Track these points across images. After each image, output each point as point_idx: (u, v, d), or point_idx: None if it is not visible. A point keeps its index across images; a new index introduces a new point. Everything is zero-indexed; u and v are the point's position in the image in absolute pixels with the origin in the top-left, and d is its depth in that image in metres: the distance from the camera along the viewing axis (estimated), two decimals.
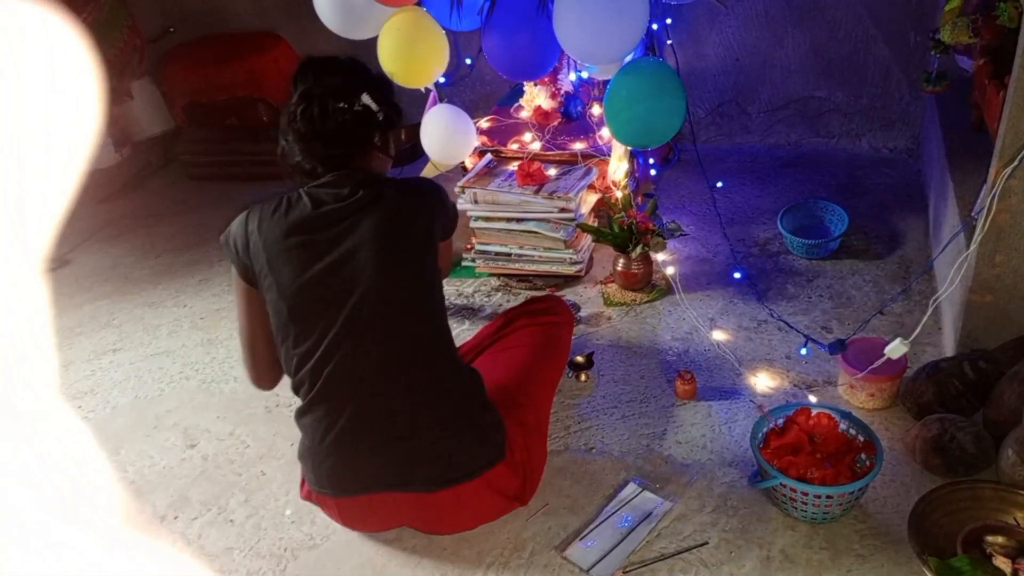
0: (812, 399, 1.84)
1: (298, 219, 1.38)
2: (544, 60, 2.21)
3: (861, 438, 1.60)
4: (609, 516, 1.61)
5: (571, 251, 2.35)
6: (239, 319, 1.51)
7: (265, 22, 3.39)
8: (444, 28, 2.25)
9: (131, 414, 2.06)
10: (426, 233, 1.43)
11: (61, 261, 2.85)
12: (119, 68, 3.07)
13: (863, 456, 1.55)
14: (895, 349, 1.63)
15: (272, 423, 1.97)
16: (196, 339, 2.34)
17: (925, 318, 1.71)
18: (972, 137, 2.27)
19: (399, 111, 1.47)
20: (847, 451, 1.59)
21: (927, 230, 2.47)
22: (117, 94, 3.13)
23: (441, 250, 1.51)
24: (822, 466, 1.54)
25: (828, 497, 1.48)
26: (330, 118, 1.36)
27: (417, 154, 2.74)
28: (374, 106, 1.41)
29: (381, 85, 1.46)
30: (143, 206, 3.22)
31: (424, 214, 1.43)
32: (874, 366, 1.70)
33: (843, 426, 1.63)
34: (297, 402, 1.99)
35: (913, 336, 1.66)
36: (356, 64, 1.46)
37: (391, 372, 1.39)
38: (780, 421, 1.66)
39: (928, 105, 2.75)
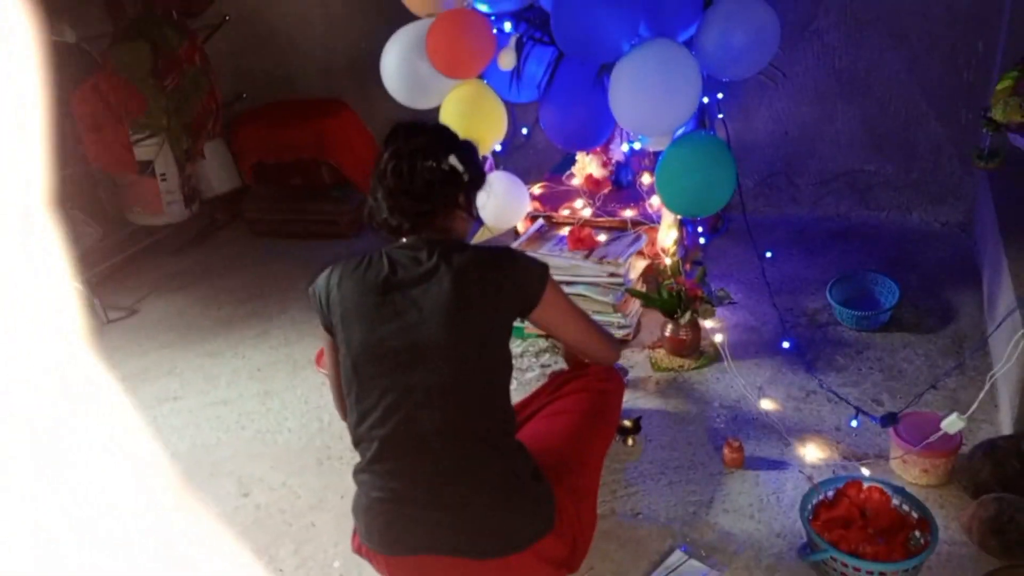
0: (864, 472, 1.81)
1: (375, 279, 1.43)
2: (599, 131, 2.30)
3: (915, 515, 1.58)
4: None
5: (620, 315, 2.39)
6: (328, 366, 1.60)
7: (331, 89, 3.58)
8: (503, 100, 2.37)
9: (188, 460, 2.13)
10: (496, 305, 1.43)
11: (130, 311, 2.99)
12: (196, 130, 3.26)
13: (917, 533, 1.53)
14: (952, 424, 1.61)
15: (324, 475, 2.02)
16: (253, 390, 2.42)
17: (982, 394, 1.70)
18: None
19: (483, 173, 1.51)
20: (900, 527, 1.56)
21: (981, 305, 2.45)
22: (191, 154, 3.31)
23: (547, 308, 1.48)
24: (874, 542, 1.52)
25: (881, 574, 1.45)
26: (418, 175, 1.41)
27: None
28: (460, 167, 1.44)
29: (467, 148, 1.50)
30: (208, 260, 3.37)
31: (494, 287, 1.43)
32: (929, 440, 1.69)
33: (896, 502, 1.61)
34: (349, 456, 2.06)
35: (970, 412, 1.65)
36: (443, 128, 1.53)
37: (447, 442, 1.40)
38: (830, 493, 1.65)
39: (981, 181, 2.76)
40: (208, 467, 2.10)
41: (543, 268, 1.51)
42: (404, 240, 1.49)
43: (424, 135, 1.46)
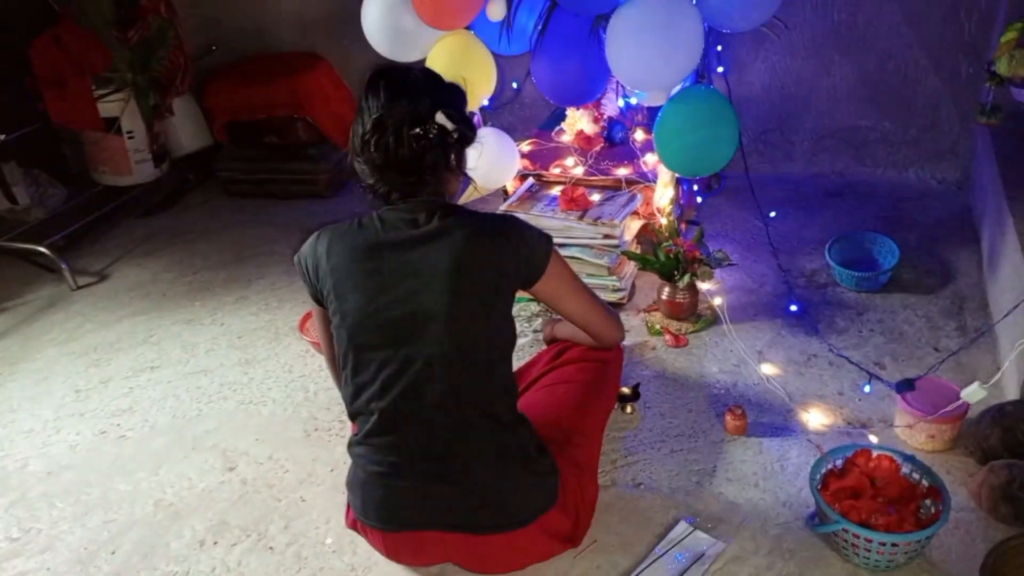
0: (871, 439, 1.78)
1: (367, 244, 1.34)
2: (593, 86, 2.19)
3: (926, 483, 1.54)
4: (660, 556, 1.56)
5: (614, 278, 2.31)
6: (320, 337, 1.53)
7: (307, 42, 3.41)
8: (492, 52, 2.24)
9: (170, 433, 2.04)
10: (498, 275, 1.35)
11: (100, 276, 2.85)
12: (163, 85, 3.09)
13: (928, 502, 1.49)
14: (973, 393, 1.57)
15: (311, 448, 1.94)
16: (234, 359, 2.32)
17: (1007, 363, 1.65)
18: None
19: (472, 126, 1.39)
20: (911, 496, 1.52)
21: (980, 264, 2.41)
22: (159, 111, 3.14)
23: (550, 281, 1.42)
24: (885, 511, 1.48)
25: (894, 545, 1.42)
26: (404, 146, 1.30)
27: None
28: (449, 125, 1.33)
29: (455, 98, 1.38)
30: (181, 222, 3.23)
31: (497, 255, 1.35)
32: (947, 409, 1.64)
33: (906, 469, 1.57)
34: (337, 427, 1.99)
35: (993, 381, 1.60)
36: (430, 78, 1.39)
37: (448, 414, 1.35)
38: (839, 462, 1.61)
39: (980, 137, 2.70)
40: (191, 440, 2.01)
41: (547, 239, 1.43)
42: (396, 203, 1.39)
43: (407, 96, 1.31)
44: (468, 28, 2.20)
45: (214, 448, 1.97)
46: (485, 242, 1.34)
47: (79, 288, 2.78)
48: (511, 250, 1.36)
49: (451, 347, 1.32)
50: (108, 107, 3.01)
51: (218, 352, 2.37)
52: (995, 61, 2.36)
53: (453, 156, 1.37)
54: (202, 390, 2.20)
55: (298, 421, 2.04)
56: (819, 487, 1.56)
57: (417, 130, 1.30)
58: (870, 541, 1.43)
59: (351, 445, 1.45)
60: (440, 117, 1.32)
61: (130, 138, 3.11)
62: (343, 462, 1.73)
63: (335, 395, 2.07)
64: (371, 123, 1.30)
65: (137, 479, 1.89)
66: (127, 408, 2.15)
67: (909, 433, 1.77)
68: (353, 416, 1.43)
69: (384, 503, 1.43)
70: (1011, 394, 1.82)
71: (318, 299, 1.43)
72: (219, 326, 2.50)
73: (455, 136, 1.35)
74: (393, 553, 1.52)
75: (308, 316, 2.29)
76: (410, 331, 1.32)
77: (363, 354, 1.35)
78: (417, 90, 1.33)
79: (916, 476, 1.56)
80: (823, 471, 1.59)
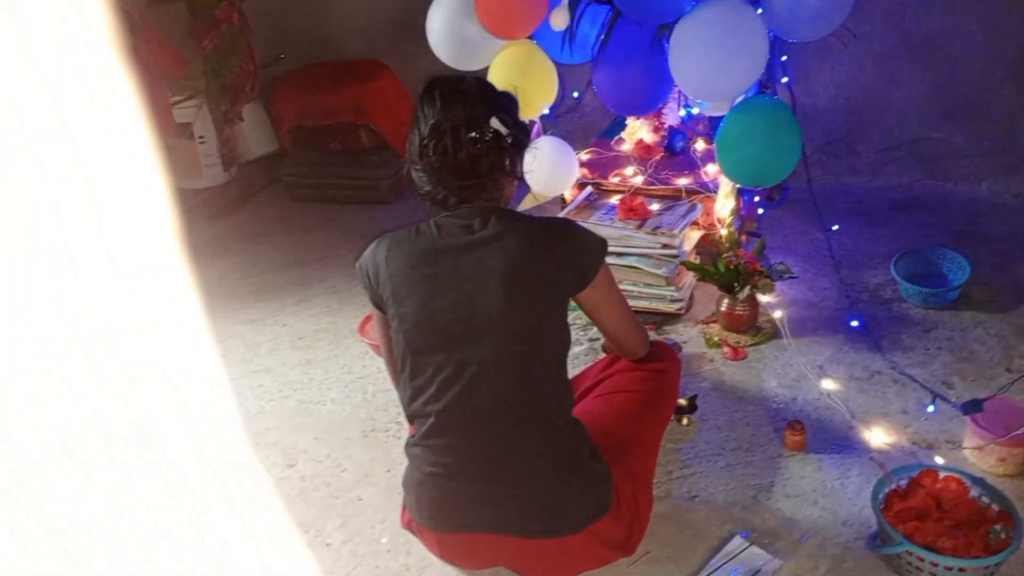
0: (937, 460, 1.72)
1: (425, 250, 1.37)
2: (655, 95, 2.19)
3: (995, 507, 1.49)
4: (715, 570, 1.54)
5: (672, 288, 2.30)
6: (380, 340, 1.56)
7: (372, 50, 3.48)
8: (554, 61, 2.26)
9: (234, 429, 2.10)
10: (554, 280, 1.36)
11: None
12: (234, 92, 3.20)
13: (998, 527, 1.44)
14: None
15: (369, 448, 1.98)
16: (295, 359, 2.38)
17: None
18: None
19: (527, 131, 1.42)
20: (979, 521, 1.47)
21: None
22: (230, 116, 3.25)
23: (595, 291, 1.42)
24: (952, 535, 1.43)
25: (961, 570, 1.37)
26: (462, 150, 1.33)
27: None
28: (504, 130, 1.35)
29: (508, 104, 1.41)
30: (246, 225, 3.33)
31: (553, 260, 1.36)
32: (1020, 431, 1.58)
33: (974, 492, 1.52)
34: (394, 429, 2.02)
35: None
36: (483, 86, 1.42)
37: (503, 417, 1.36)
38: (903, 482, 1.56)
39: None
40: (252, 437, 2.04)
41: (602, 244, 1.44)
42: (453, 209, 1.41)
43: (462, 102, 1.35)
44: (531, 37, 2.23)
45: (275, 445, 2.03)
46: (541, 246, 1.36)
47: None
48: (566, 254, 1.37)
49: (506, 351, 1.34)
50: (182, 113, 3.13)
51: (280, 352, 2.43)
52: None
53: (508, 161, 1.40)
54: (264, 388, 2.26)
55: (356, 421, 2.08)
56: (882, 507, 1.52)
57: (473, 134, 1.33)
58: (935, 565, 1.39)
59: (408, 446, 1.47)
60: (495, 122, 1.35)
61: (201, 143, 3.23)
62: (400, 463, 1.75)
63: (393, 397, 2.10)
64: (429, 128, 1.34)
65: None
66: None
67: (979, 455, 1.71)
68: (411, 418, 1.45)
69: (439, 504, 1.44)
70: None
71: (378, 304, 1.46)
72: (281, 327, 2.57)
73: (509, 141, 1.37)
74: (447, 555, 1.53)
75: (368, 319, 2.34)
76: (465, 335, 1.33)
77: (420, 358, 1.37)
78: (471, 96, 1.36)
79: (985, 499, 1.51)
80: (886, 491, 1.55)
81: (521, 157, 1.44)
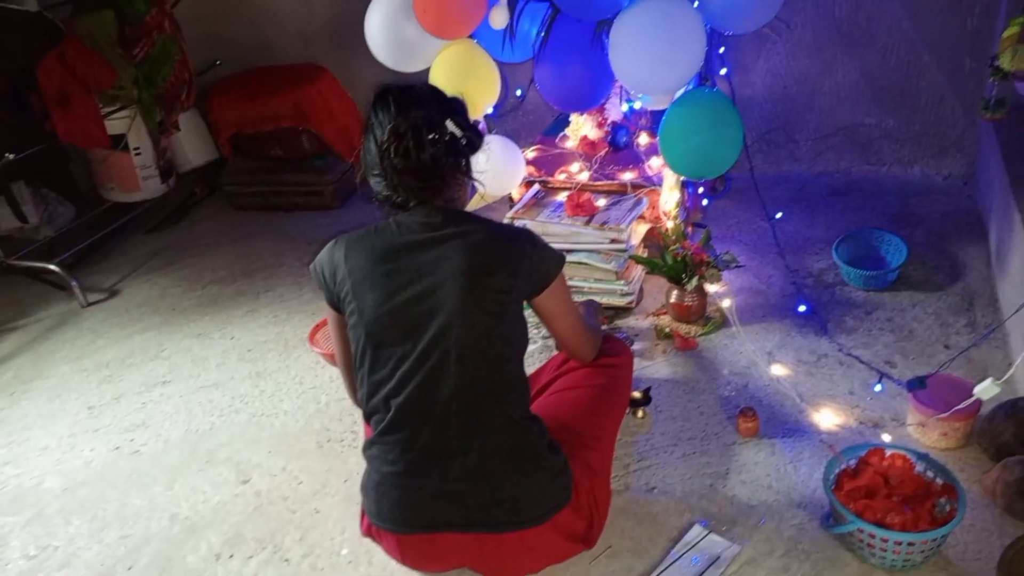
0: (884, 438, 1.77)
1: (385, 246, 1.39)
2: (597, 91, 2.20)
3: (940, 481, 1.54)
4: (675, 560, 1.56)
5: (622, 282, 2.32)
6: (334, 344, 1.56)
7: (310, 54, 3.43)
8: (495, 60, 2.25)
9: (183, 448, 2.05)
10: (512, 278, 1.40)
11: (110, 292, 2.87)
12: (169, 101, 3.11)
13: (943, 500, 1.49)
14: (986, 390, 1.56)
15: (325, 459, 1.95)
16: (244, 372, 2.33)
17: (1020, 360, 1.64)
18: None
19: (480, 133, 1.46)
20: (925, 495, 1.52)
21: (988, 259, 2.40)
22: (165, 126, 3.16)
23: (549, 297, 1.48)
24: (901, 511, 1.47)
25: (910, 544, 1.41)
26: (424, 151, 1.36)
27: None
28: (459, 132, 1.39)
29: (461, 109, 1.46)
30: (189, 236, 3.24)
31: (512, 261, 1.40)
32: (960, 406, 1.64)
33: (919, 468, 1.57)
34: (350, 438, 2.00)
35: (1006, 377, 1.60)
36: (433, 91, 1.47)
37: (462, 410, 1.38)
38: (852, 462, 1.61)
39: (985, 132, 2.69)
40: (204, 454, 2.02)
41: (561, 256, 1.51)
42: (411, 210, 1.44)
43: (418, 105, 1.39)
44: (471, 36, 2.21)
45: (228, 461, 1.98)
46: (501, 245, 1.41)
47: (89, 305, 2.80)
48: (526, 258, 1.42)
49: (466, 344, 1.36)
50: (115, 124, 3.04)
51: (229, 365, 2.38)
52: (998, 56, 2.35)
53: (464, 162, 1.44)
54: (214, 404, 2.21)
55: (310, 432, 2.05)
56: (833, 487, 1.56)
57: (434, 135, 1.36)
58: (886, 541, 1.42)
59: (366, 447, 1.47)
60: (450, 124, 1.39)
61: (137, 154, 3.13)
62: (356, 472, 1.74)
63: (347, 405, 2.08)
64: (388, 132, 1.36)
65: (152, 493, 1.90)
66: (140, 423, 2.16)
67: (922, 431, 1.76)
68: (369, 415, 1.45)
69: (399, 504, 1.44)
70: (1022, 389, 1.81)
71: (335, 304, 1.47)
72: (229, 339, 2.51)
73: (464, 143, 1.42)
74: (408, 558, 1.52)
75: (318, 328, 2.30)
76: (427, 326, 1.36)
77: (381, 350, 1.39)
78: (424, 100, 1.41)
79: (930, 474, 1.55)
80: (836, 471, 1.59)
81: (472, 160, 1.47)
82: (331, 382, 2.23)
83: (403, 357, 1.38)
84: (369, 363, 1.41)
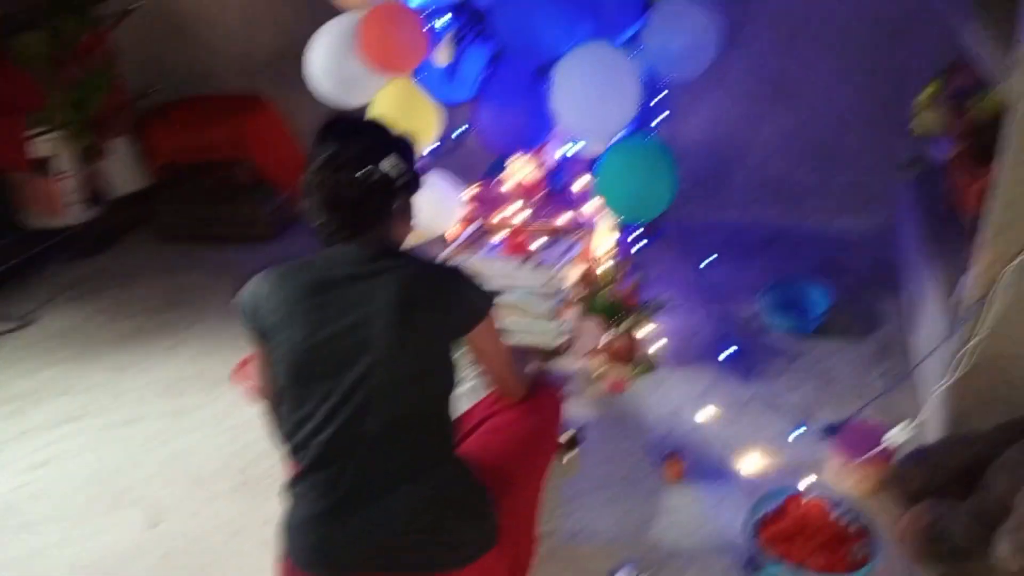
0: (802, 484, 1.80)
1: (313, 280, 1.36)
2: (536, 133, 2.23)
3: (856, 526, 1.57)
4: None
5: (556, 323, 2.33)
6: (259, 379, 1.50)
7: (251, 85, 3.39)
8: (436, 99, 2.27)
9: (90, 488, 1.95)
10: (443, 315, 1.38)
11: (23, 322, 2.74)
12: (100, 126, 3.02)
13: (858, 546, 1.52)
14: (895, 436, 1.61)
15: (243, 499, 1.88)
16: (163, 408, 2.24)
17: (927, 407, 1.70)
18: (947, 221, 2.33)
19: (418, 176, 1.44)
20: (842, 540, 1.55)
21: (902, 310, 2.50)
22: (94, 152, 3.07)
23: (480, 334, 1.44)
24: (819, 555, 1.50)
25: None
26: (349, 187, 1.34)
27: None
28: (394, 172, 1.38)
29: (403, 148, 1.43)
30: (114, 266, 3.13)
31: (443, 298, 1.38)
32: (872, 452, 1.68)
33: (836, 513, 1.60)
34: (270, 479, 1.93)
35: (916, 422, 1.65)
36: (379, 128, 1.45)
37: (388, 449, 1.35)
38: (772, 508, 1.63)
39: (902, 188, 2.83)
40: (111, 496, 1.92)
41: (492, 295, 1.47)
42: (344, 243, 1.41)
43: (355, 142, 1.37)
44: (414, 76, 2.23)
45: (138, 503, 1.89)
46: (433, 281, 1.39)
47: (0, 334, 2.66)
48: (457, 295, 1.40)
49: (393, 379, 1.33)
50: (40, 147, 2.93)
51: (147, 401, 2.28)
52: (914, 116, 2.49)
53: (398, 203, 1.42)
54: (127, 441, 2.11)
55: (229, 472, 1.97)
56: (754, 532, 1.57)
57: (361, 172, 1.35)
58: None
59: (288, 486, 1.42)
60: (385, 164, 1.37)
61: (62, 179, 3.02)
62: (277, 514, 1.67)
63: (270, 444, 2.01)
64: (318, 164, 1.35)
65: (51, 540, 1.79)
66: (44, 461, 2.05)
67: (839, 477, 1.80)
68: (293, 452, 1.40)
69: (321, 545, 1.39)
70: (933, 437, 1.88)
71: (258, 339, 1.42)
72: (149, 374, 2.42)
73: (400, 183, 1.39)
74: None
75: (244, 362, 2.23)
76: (353, 363, 1.32)
77: (305, 386, 1.35)
78: (364, 136, 1.40)
79: (847, 519, 1.59)
80: (758, 517, 1.61)
81: (412, 201, 1.46)
82: (254, 419, 2.16)
83: (327, 393, 1.34)
84: (292, 399, 1.37)
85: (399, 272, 1.36)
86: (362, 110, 2.23)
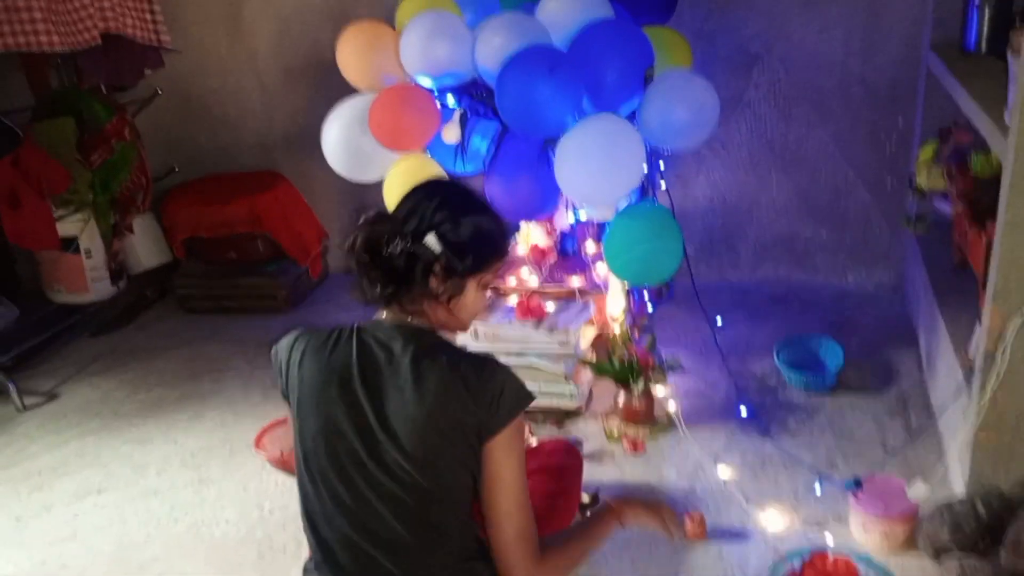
0: (827, 540, 1.79)
1: (341, 367, 1.29)
2: (545, 202, 2.30)
3: None
4: None
5: (572, 385, 2.35)
6: (287, 441, 1.46)
7: (268, 162, 3.51)
8: (448, 172, 2.35)
9: (114, 563, 1.95)
10: (471, 407, 1.24)
11: (49, 396, 2.79)
12: (124, 205, 3.14)
13: None
14: (916, 491, 1.61)
15: (265, 570, 1.88)
16: (186, 478, 2.26)
17: (949, 461, 1.70)
18: (956, 275, 2.37)
19: (463, 259, 1.28)
20: None
21: (919, 363, 2.51)
22: (119, 229, 3.17)
23: (501, 446, 1.25)
24: None
25: None
26: (379, 255, 1.27)
27: None
28: (437, 248, 1.26)
29: (461, 227, 1.28)
30: (136, 339, 3.19)
31: (473, 388, 1.24)
32: (897, 508, 1.67)
33: (863, 570, 1.59)
34: (293, 547, 1.93)
35: (938, 478, 1.65)
36: (460, 202, 1.31)
37: (400, 559, 1.28)
38: (797, 565, 1.62)
39: (909, 244, 2.87)
40: (136, 569, 1.92)
41: (528, 394, 1.29)
42: (381, 318, 1.34)
43: (412, 210, 1.28)
44: (425, 150, 2.32)
45: None
46: (458, 392, 1.24)
47: (26, 409, 2.70)
48: (483, 400, 1.24)
49: (407, 488, 1.26)
50: (67, 226, 3.04)
51: (170, 472, 2.30)
52: (915, 175, 2.56)
53: (436, 282, 1.28)
54: (151, 513, 2.13)
55: (252, 542, 1.97)
56: None
57: (398, 241, 1.26)
58: None
59: (305, 571, 1.40)
60: (431, 238, 1.26)
61: (88, 257, 3.12)
62: None
63: (292, 513, 2.02)
64: (363, 223, 1.30)
65: None
66: (69, 535, 2.06)
67: (864, 533, 1.79)
68: (307, 536, 1.39)
69: None
70: (958, 489, 1.87)
71: (285, 396, 1.38)
72: (172, 444, 2.44)
73: (443, 261, 1.27)
74: None
75: (264, 432, 2.27)
76: (368, 464, 1.26)
77: (317, 479, 1.30)
78: (430, 204, 1.28)
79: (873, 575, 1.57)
80: (783, 573, 1.59)
81: (462, 283, 1.31)
82: (276, 487, 2.17)
83: (338, 494, 1.27)
84: (306, 491, 1.32)
85: (427, 377, 1.23)
86: (376, 186, 2.32)
